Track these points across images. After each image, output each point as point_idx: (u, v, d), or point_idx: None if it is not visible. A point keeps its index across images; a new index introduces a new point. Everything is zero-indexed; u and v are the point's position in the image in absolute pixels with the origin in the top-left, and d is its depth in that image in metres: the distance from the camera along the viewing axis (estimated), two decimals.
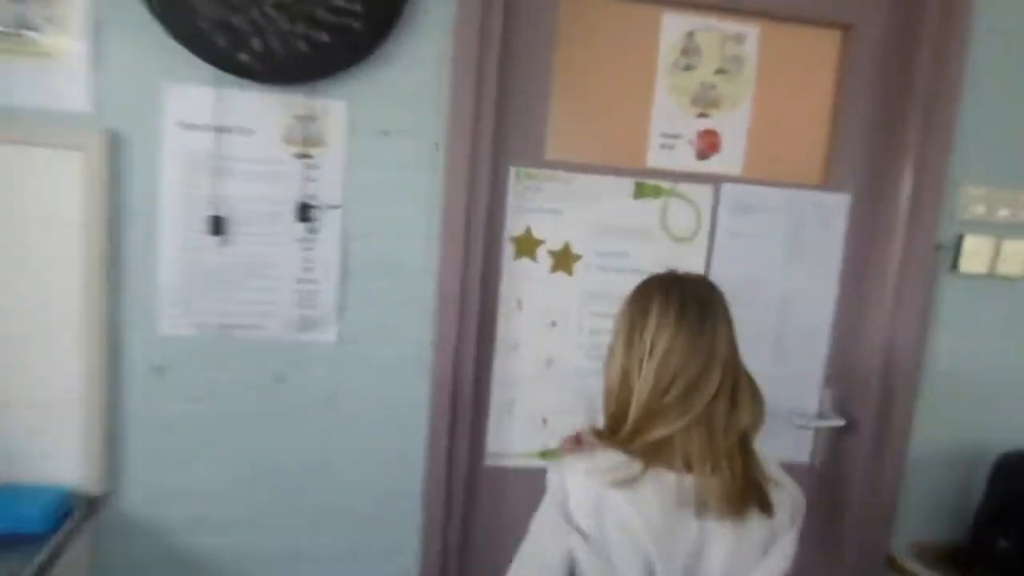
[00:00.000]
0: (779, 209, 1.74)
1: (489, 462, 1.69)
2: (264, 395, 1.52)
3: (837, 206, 1.77)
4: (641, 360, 1.08)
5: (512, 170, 1.60)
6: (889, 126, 1.73)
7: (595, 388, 1.70)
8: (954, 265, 1.75)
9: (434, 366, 1.56)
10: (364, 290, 1.52)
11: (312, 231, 1.47)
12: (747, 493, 1.04)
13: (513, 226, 1.63)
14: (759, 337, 1.77)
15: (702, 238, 1.71)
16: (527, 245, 1.64)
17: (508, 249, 1.63)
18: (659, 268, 1.69)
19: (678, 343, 1.06)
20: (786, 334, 1.79)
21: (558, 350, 1.68)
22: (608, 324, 1.54)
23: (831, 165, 1.77)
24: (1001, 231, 1.76)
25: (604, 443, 1.10)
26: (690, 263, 1.71)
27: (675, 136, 1.68)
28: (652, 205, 1.68)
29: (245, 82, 1.39)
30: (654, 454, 1.05)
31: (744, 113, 1.70)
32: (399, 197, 1.51)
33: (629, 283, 1.65)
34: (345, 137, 1.47)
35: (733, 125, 1.70)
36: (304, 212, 1.45)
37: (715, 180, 1.70)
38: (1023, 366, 1.85)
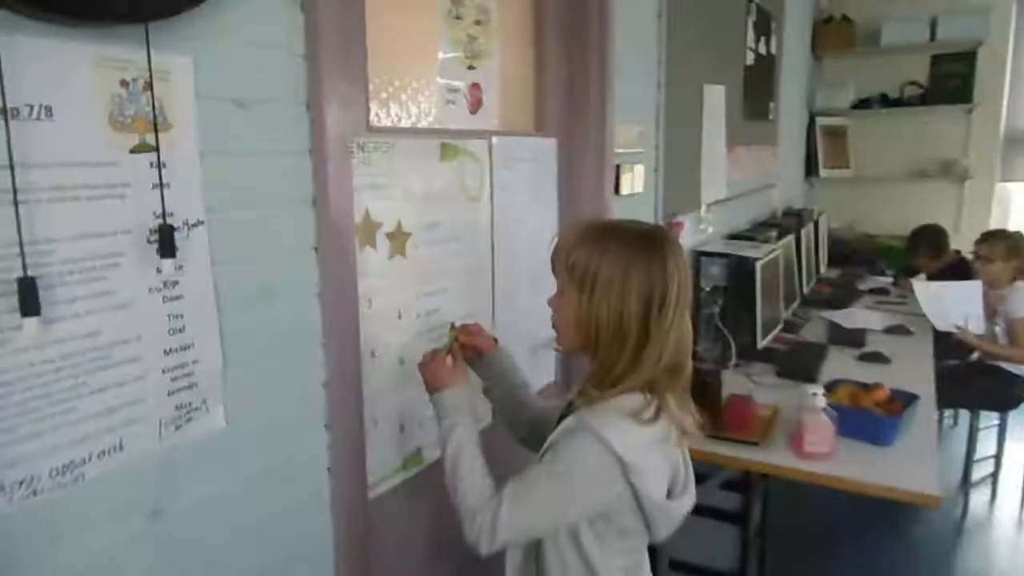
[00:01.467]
0: (526, 158, 1.83)
1: (372, 494, 1.39)
2: (136, 546, 0.91)
3: (550, 149, 1.96)
4: (667, 317, 1.06)
5: (350, 143, 1.27)
6: (575, 79, 1.98)
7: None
8: (617, 189, 2.17)
9: (332, 410, 1.18)
10: (242, 336, 1.03)
11: (176, 267, 0.91)
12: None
13: (355, 211, 1.30)
14: (524, 274, 1.86)
15: (487, 195, 1.69)
16: (368, 231, 1.34)
17: (355, 240, 1.31)
18: (468, 233, 1.62)
19: (686, 314, 1.11)
20: (537, 269, 1.94)
21: (407, 346, 1.46)
22: (436, 303, 1.41)
23: (541, 114, 1.93)
24: (632, 159, 2.25)
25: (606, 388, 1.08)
26: (482, 221, 1.68)
27: (455, 90, 1.58)
28: (452, 167, 1.56)
29: (27, 20, 0.74)
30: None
31: (495, 64, 1.70)
32: (265, 192, 1.05)
33: (451, 256, 1.57)
34: (194, 113, 0.92)
35: (489, 77, 1.69)
36: (166, 240, 0.88)
37: (486, 135, 1.68)
38: None
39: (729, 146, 3.24)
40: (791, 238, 3.53)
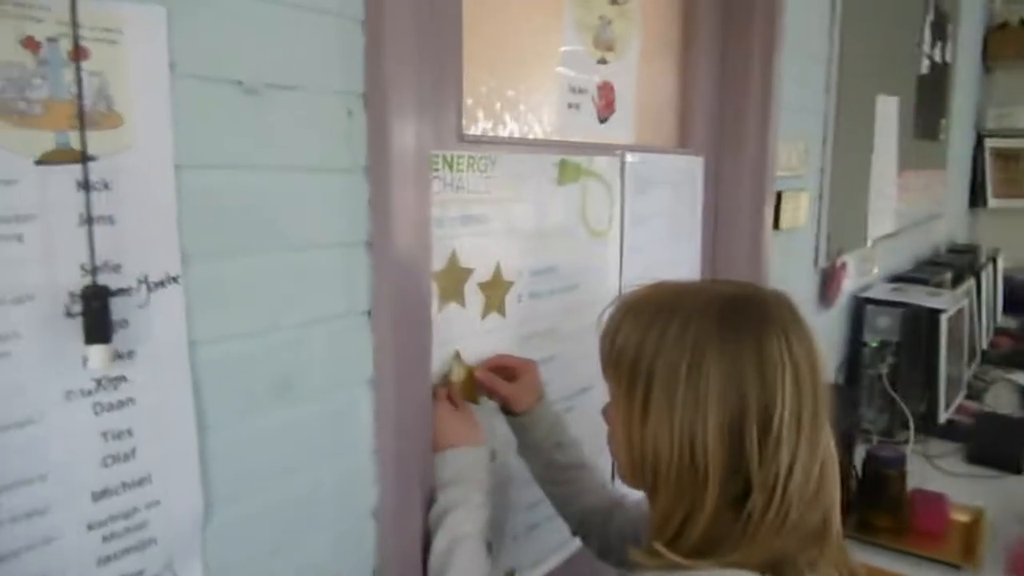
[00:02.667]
0: (667, 181, 1.41)
1: None
2: None
3: (695, 170, 1.52)
4: (782, 443, 0.61)
5: (433, 157, 0.89)
6: (730, 82, 1.54)
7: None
8: (776, 224, 1.70)
9: (384, 550, 0.79)
10: (240, 455, 0.66)
11: (123, 358, 0.54)
12: None
13: (435, 254, 0.92)
14: None
15: (615, 229, 1.27)
16: (453, 281, 0.96)
17: (432, 295, 0.92)
18: (589, 279, 1.21)
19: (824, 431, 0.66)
20: None
21: (498, 436, 1.06)
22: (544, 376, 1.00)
23: (686, 125, 1.50)
24: (794, 184, 1.77)
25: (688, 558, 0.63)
26: (608, 264, 1.26)
27: (581, 91, 1.18)
28: (572, 191, 1.16)
29: None
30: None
31: (632, 59, 1.29)
32: (288, 229, 0.67)
33: (566, 311, 1.15)
34: (167, 100, 0.56)
35: (624, 75, 1.27)
36: (94, 312, 0.51)
37: (617, 150, 1.26)
38: None
39: (896, 170, 2.68)
40: (971, 282, 2.91)
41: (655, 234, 1.38)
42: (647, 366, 0.65)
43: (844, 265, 2.13)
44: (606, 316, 0.73)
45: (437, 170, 0.90)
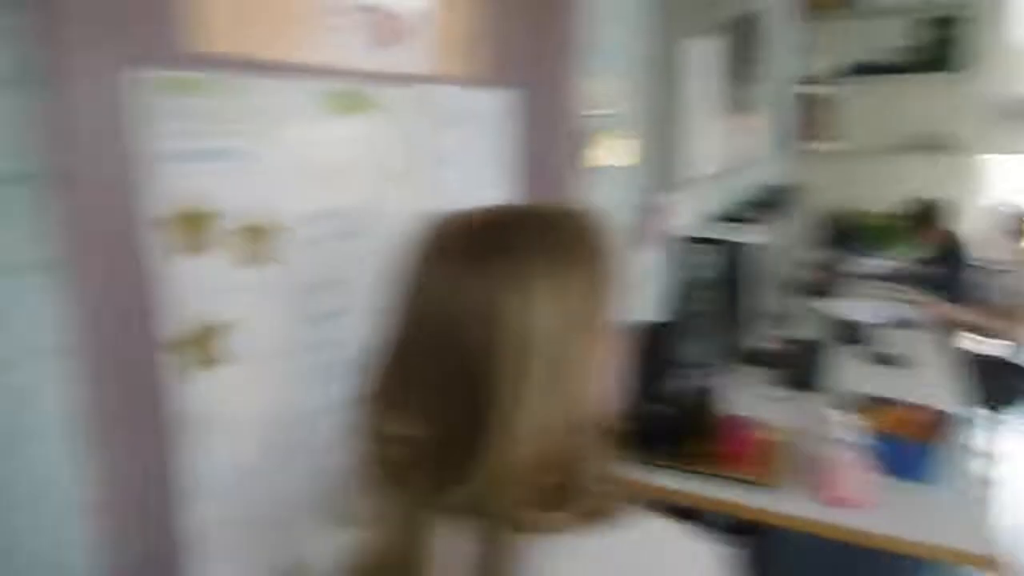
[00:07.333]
0: (477, 117, 1.30)
1: None
2: None
3: (505, 106, 1.43)
4: None
5: (144, 79, 0.72)
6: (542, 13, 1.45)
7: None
8: (589, 163, 1.65)
9: None
10: None
11: None
12: None
13: (163, 195, 0.76)
14: None
15: (417, 171, 1.15)
16: (192, 228, 0.80)
17: (163, 245, 0.77)
18: (385, 225, 1.09)
19: None
20: None
21: (281, 400, 0.93)
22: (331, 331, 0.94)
23: (495, 56, 1.40)
24: (608, 122, 1.74)
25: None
26: (405, 208, 1.15)
27: (365, 8, 1.04)
28: (357, 126, 1.03)
29: None
30: None
31: None
32: None
33: (358, 260, 1.01)
34: None
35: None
36: None
37: (409, 80, 1.14)
38: None
39: (713, 114, 2.75)
40: (780, 219, 3.09)
41: (460, 182, 1.28)
42: None
43: (665, 206, 2.15)
44: None
45: (157, 93, 0.74)
